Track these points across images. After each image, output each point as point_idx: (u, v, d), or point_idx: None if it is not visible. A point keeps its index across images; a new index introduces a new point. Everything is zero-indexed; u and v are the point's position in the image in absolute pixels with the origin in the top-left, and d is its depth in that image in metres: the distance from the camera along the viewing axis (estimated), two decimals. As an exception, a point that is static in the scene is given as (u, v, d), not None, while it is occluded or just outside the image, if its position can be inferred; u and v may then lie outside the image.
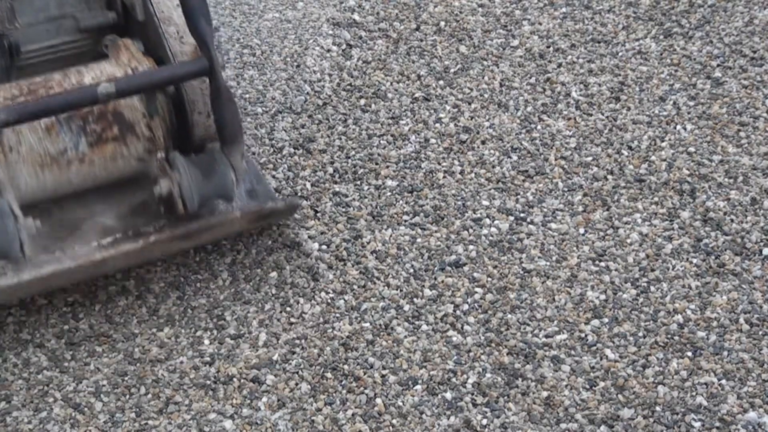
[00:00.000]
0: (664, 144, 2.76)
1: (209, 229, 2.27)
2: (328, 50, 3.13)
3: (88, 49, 2.46)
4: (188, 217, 2.24)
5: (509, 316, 2.26)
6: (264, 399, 2.07)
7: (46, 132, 2.21)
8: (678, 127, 2.82)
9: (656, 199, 2.58)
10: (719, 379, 2.11)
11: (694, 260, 2.39)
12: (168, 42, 2.33)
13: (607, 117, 2.87)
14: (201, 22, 2.23)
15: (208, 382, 2.12)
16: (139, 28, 2.41)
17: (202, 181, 2.24)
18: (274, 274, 2.37)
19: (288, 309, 2.28)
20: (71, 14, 2.42)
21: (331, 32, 3.20)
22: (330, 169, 2.69)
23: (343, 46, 3.14)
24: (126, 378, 2.14)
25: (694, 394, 2.08)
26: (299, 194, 2.60)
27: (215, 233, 2.32)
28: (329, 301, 2.31)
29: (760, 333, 2.21)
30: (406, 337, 2.21)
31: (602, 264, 2.39)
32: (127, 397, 2.09)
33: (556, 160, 2.71)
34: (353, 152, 2.74)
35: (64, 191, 2.29)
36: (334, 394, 2.09)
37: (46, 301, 2.30)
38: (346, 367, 2.14)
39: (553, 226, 2.50)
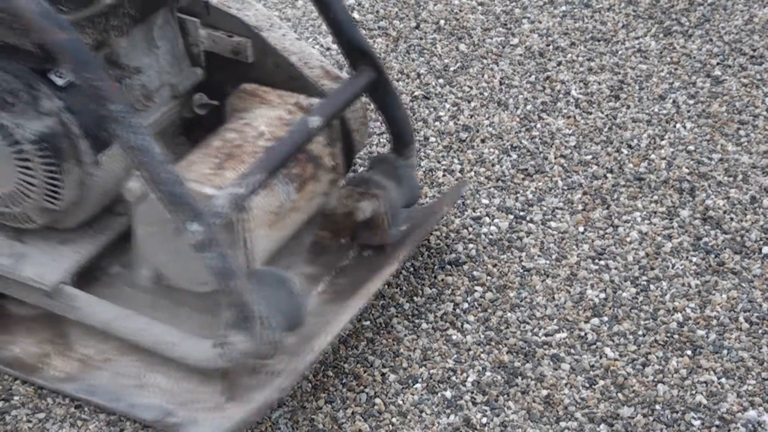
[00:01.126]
0: (663, 142, 2.76)
1: (424, 231, 2.28)
2: (328, 49, 3.13)
3: (177, 116, 2.29)
4: (388, 233, 2.18)
5: (509, 314, 2.26)
6: (264, 398, 2.08)
7: (268, 189, 2.04)
8: (677, 125, 2.82)
9: (656, 197, 2.58)
10: (719, 378, 2.11)
11: (694, 259, 2.40)
12: (302, 71, 2.25)
13: (606, 115, 2.87)
14: (356, 31, 2.20)
15: (208, 380, 2.12)
16: (243, 72, 2.27)
17: (397, 192, 2.22)
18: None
19: (288, 307, 2.29)
20: (168, 82, 2.23)
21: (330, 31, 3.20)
22: (330, 168, 2.69)
23: (343, 45, 3.14)
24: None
25: (693, 392, 2.09)
26: (299, 193, 2.60)
27: (425, 233, 2.31)
28: (329, 299, 2.31)
29: (760, 331, 2.21)
30: (405, 335, 2.21)
31: (602, 262, 2.39)
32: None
33: (555, 158, 2.71)
34: (353, 151, 2.74)
35: (280, 246, 2.13)
36: (334, 393, 2.09)
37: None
38: (346, 365, 2.15)
39: (553, 224, 2.50)
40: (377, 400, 2.07)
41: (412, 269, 2.37)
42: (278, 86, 2.24)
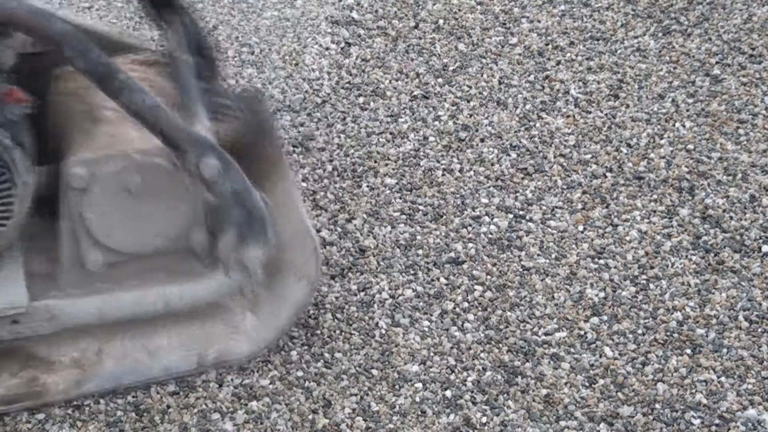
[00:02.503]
0: (663, 141, 2.76)
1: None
2: (327, 48, 3.13)
3: None
4: None
5: (509, 313, 2.26)
6: (265, 399, 2.07)
7: None
8: (677, 124, 2.82)
9: (655, 196, 2.58)
10: (718, 377, 2.11)
11: (693, 257, 2.40)
12: (122, 39, 2.37)
13: (606, 114, 2.87)
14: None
15: (209, 382, 2.12)
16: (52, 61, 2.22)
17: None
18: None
19: (287, 307, 2.28)
20: None
21: (329, 30, 3.20)
22: (329, 167, 2.68)
23: (342, 44, 3.14)
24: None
25: (693, 391, 2.08)
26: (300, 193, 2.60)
27: None
28: (328, 299, 2.31)
29: (760, 330, 2.21)
30: (405, 334, 2.21)
31: (601, 261, 2.39)
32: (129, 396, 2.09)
33: (555, 157, 2.71)
34: (352, 150, 2.74)
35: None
36: (333, 393, 2.09)
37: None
38: (345, 365, 2.14)
39: (552, 223, 2.50)
40: (377, 400, 2.07)
41: (411, 268, 2.37)
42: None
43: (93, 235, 2.05)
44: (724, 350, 2.17)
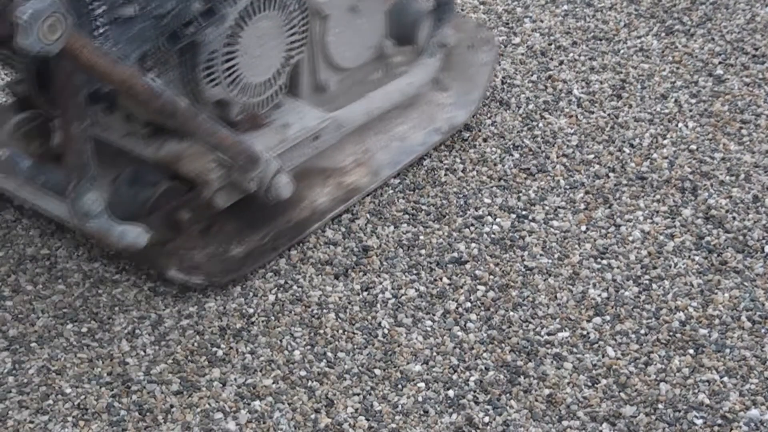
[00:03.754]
0: (665, 142, 2.76)
1: None
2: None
3: None
4: None
5: (511, 313, 2.26)
6: (268, 399, 2.08)
7: None
8: (680, 124, 2.83)
9: (658, 196, 2.58)
10: (721, 377, 2.11)
11: (696, 258, 2.40)
12: None
13: (608, 114, 2.87)
14: None
15: (213, 381, 2.12)
16: None
17: None
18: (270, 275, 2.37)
19: (290, 307, 2.29)
20: None
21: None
22: (332, 167, 2.69)
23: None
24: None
25: (696, 391, 2.09)
26: (301, 192, 2.60)
27: None
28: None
29: (762, 330, 2.21)
30: (408, 334, 2.21)
31: (604, 262, 2.39)
32: (130, 396, 2.09)
33: (557, 157, 2.71)
34: (355, 150, 2.74)
35: None
36: (335, 393, 2.09)
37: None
38: (347, 364, 2.15)
39: (555, 223, 2.50)
40: (379, 399, 2.07)
41: (413, 268, 2.37)
42: None
43: (330, 57, 2.52)
44: (727, 350, 2.17)
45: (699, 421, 2.03)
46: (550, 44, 3.16)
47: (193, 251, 2.30)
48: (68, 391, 2.09)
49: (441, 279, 2.35)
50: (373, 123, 2.64)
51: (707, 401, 2.06)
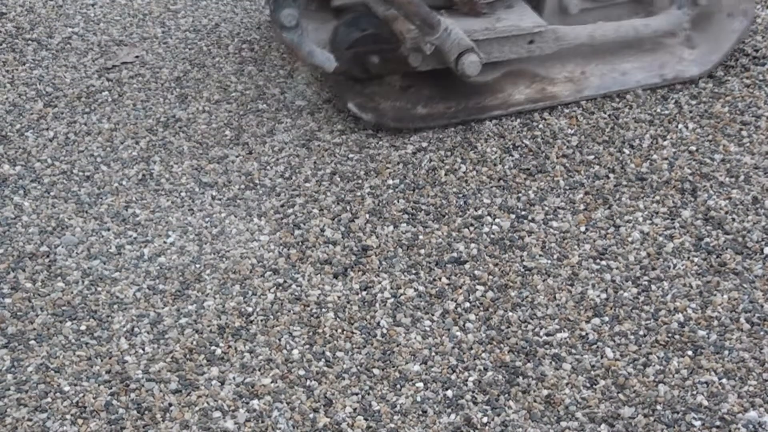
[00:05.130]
0: (665, 143, 2.76)
1: None
2: (330, 47, 3.13)
3: None
4: None
5: (510, 314, 2.26)
6: (267, 398, 2.08)
7: None
8: (680, 125, 2.82)
9: (657, 197, 2.58)
10: (720, 378, 2.11)
11: (695, 259, 2.40)
12: None
13: (608, 115, 2.87)
14: None
15: (212, 380, 2.12)
16: None
17: None
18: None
19: (289, 306, 2.29)
20: None
21: (332, 29, 3.20)
22: (329, 168, 2.69)
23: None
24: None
25: (694, 393, 2.09)
26: (300, 192, 2.60)
27: None
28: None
29: (761, 332, 2.21)
30: (407, 334, 2.21)
31: (603, 262, 2.39)
32: (129, 395, 2.09)
33: (557, 158, 2.71)
34: (354, 150, 2.74)
35: None
36: (334, 392, 2.09)
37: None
38: (346, 364, 2.15)
39: (555, 224, 2.50)
40: (378, 399, 2.07)
41: (413, 268, 2.37)
42: None
43: None
44: (726, 352, 2.17)
45: (697, 423, 2.03)
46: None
47: (385, 100, 2.77)
48: (67, 389, 2.09)
49: (440, 279, 2.34)
50: (605, 54, 2.94)
51: (706, 403, 2.06)
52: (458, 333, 2.21)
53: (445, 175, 2.65)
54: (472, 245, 2.43)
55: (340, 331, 2.22)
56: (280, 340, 2.19)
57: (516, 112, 2.84)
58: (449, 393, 2.09)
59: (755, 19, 3.17)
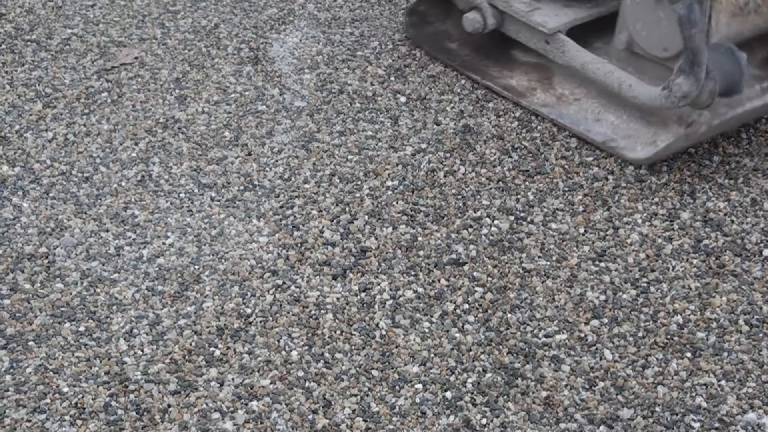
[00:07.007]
0: (664, 144, 2.76)
1: None
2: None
3: None
4: None
5: (509, 315, 2.26)
6: (266, 399, 2.08)
7: None
8: (678, 127, 2.82)
9: (656, 199, 2.58)
10: (719, 380, 2.11)
11: (694, 261, 2.40)
12: None
13: (607, 117, 2.87)
14: None
15: (210, 381, 2.12)
16: None
17: None
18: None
19: (288, 307, 2.29)
20: None
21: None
22: (329, 170, 2.69)
23: (344, 45, 3.14)
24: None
25: (693, 394, 2.09)
26: (299, 193, 2.60)
27: None
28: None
29: (760, 334, 2.21)
30: (406, 335, 2.21)
31: (602, 264, 2.39)
32: (129, 396, 2.09)
33: (556, 159, 2.71)
34: (353, 151, 2.74)
35: (736, 39, 2.60)
36: (333, 393, 2.09)
37: (46, 298, 2.30)
38: (345, 365, 2.15)
39: (554, 225, 2.50)
40: (377, 401, 2.07)
41: (412, 269, 2.37)
42: None
43: (623, 18, 2.74)
44: (725, 354, 2.17)
45: (696, 425, 2.03)
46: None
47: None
48: (66, 390, 2.09)
49: (439, 280, 2.35)
50: (598, 94, 2.84)
51: (704, 404, 2.07)
52: (457, 334, 2.21)
53: (444, 176, 2.65)
54: (471, 247, 2.43)
55: (339, 332, 2.22)
56: (279, 341, 2.19)
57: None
58: (448, 394, 2.09)
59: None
